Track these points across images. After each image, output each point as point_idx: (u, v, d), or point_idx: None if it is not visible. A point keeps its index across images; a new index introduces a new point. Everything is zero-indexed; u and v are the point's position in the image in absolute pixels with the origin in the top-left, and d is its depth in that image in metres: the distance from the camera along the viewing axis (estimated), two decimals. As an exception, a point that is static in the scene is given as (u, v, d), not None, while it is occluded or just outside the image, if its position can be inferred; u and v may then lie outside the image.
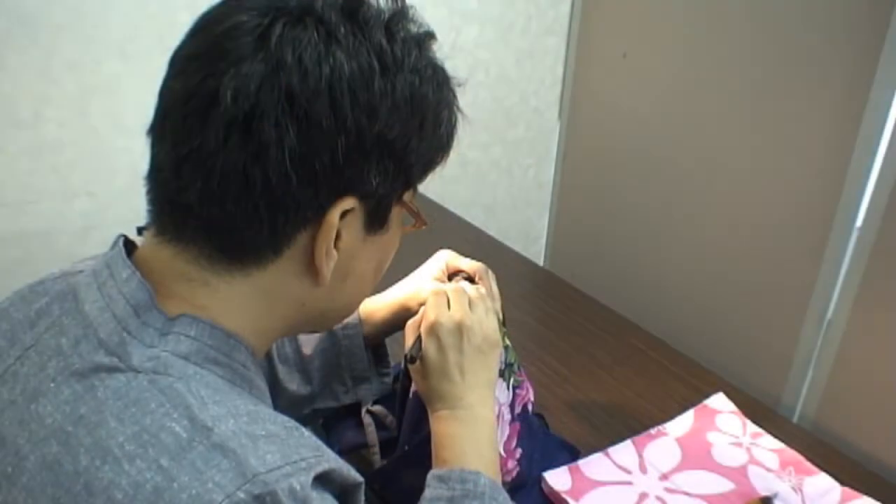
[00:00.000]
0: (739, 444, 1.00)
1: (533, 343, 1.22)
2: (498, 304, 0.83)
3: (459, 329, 0.72)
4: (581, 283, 1.41)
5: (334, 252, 0.55)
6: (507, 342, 0.82)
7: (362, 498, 0.52)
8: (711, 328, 1.51)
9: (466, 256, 0.87)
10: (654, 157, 1.62)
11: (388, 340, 0.89)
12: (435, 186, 1.81)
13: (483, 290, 0.80)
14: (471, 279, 0.84)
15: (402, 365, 0.80)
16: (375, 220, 0.56)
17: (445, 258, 0.86)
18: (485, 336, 0.74)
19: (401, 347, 0.75)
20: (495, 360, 0.76)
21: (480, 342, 0.73)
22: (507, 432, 0.81)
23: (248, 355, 0.55)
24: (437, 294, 0.76)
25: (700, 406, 1.07)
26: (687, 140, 1.53)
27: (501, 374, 0.80)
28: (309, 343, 0.86)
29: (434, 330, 0.72)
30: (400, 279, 0.87)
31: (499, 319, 0.79)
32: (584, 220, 1.87)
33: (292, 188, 0.50)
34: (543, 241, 2.07)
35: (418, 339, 0.73)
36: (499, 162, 1.94)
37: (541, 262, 2.08)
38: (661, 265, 1.64)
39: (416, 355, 0.72)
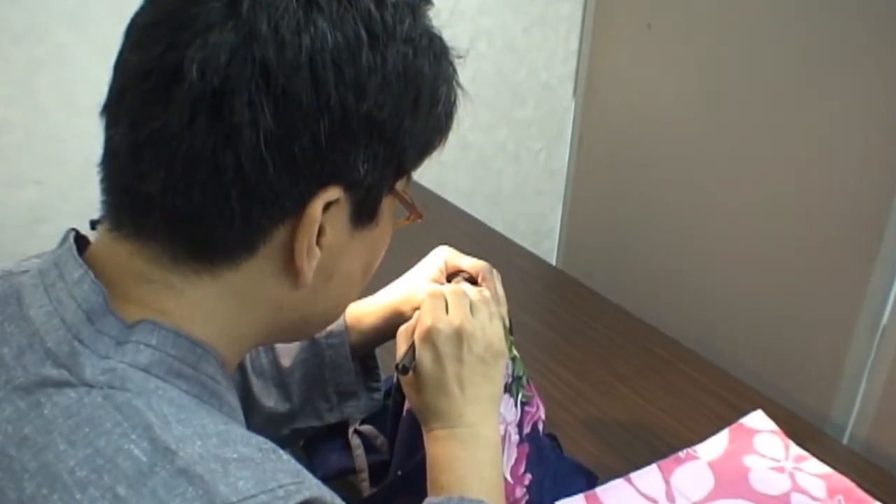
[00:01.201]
0: (781, 469, 1.00)
1: (544, 352, 1.22)
2: (504, 309, 0.83)
3: (459, 336, 0.72)
4: (599, 284, 1.42)
5: (317, 249, 0.55)
6: (515, 352, 0.82)
7: None
8: (748, 336, 1.51)
9: (468, 254, 0.87)
10: (682, 142, 1.62)
11: (378, 350, 0.89)
12: (432, 174, 1.81)
13: (486, 292, 0.81)
14: (473, 280, 0.84)
15: (395, 378, 0.80)
16: (364, 213, 0.56)
17: (443, 256, 0.86)
18: (488, 344, 0.74)
19: (393, 358, 0.75)
20: (500, 371, 0.76)
21: (483, 351, 0.73)
22: (514, 455, 0.81)
23: (217, 367, 0.55)
24: (433, 296, 0.76)
25: (736, 425, 1.07)
26: (719, 123, 1.53)
27: (507, 389, 0.80)
28: (288, 353, 0.86)
29: (430, 337, 0.72)
30: (392, 280, 0.87)
31: (504, 326, 0.79)
32: (603, 212, 1.87)
33: (268, 176, 0.50)
34: (556, 236, 2.07)
35: (412, 347, 0.73)
36: (504, 145, 1.94)
37: (553, 261, 2.08)
38: (689, 265, 1.65)
39: (410, 366, 0.72)
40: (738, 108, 1.50)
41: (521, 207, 2.02)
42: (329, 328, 0.85)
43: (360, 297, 0.79)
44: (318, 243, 0.54)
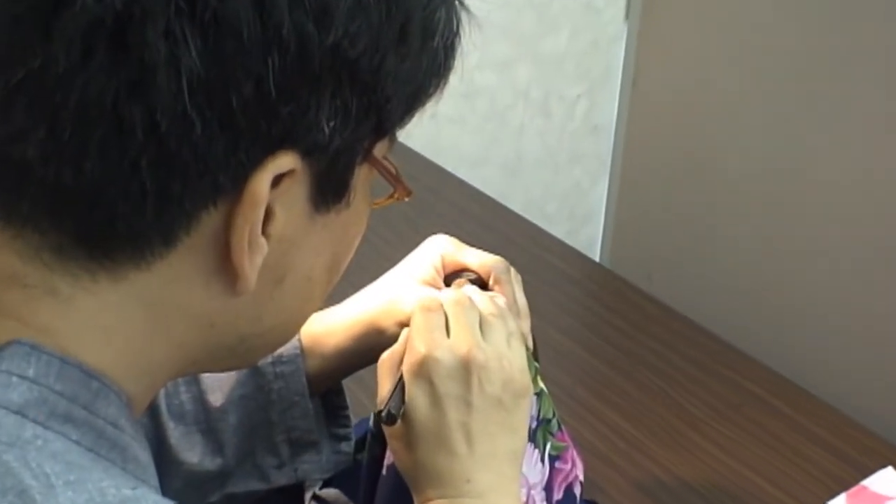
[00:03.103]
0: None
1: (583, 386, 1.22)
2: (526, 325, 0.83)
3: (466, 369, 0.72)
4: (661, 289, 1.42)
5: (262, 241, 0.55)
6: (541, 385, 0.82)
7: None
8: (869, 366, 1.51)
9: (475, 246, 0.87)
10: (777, 84, 1.62)
11: (348, 382, 0.89)
12: (425, 132, 1.81)
13: (501, 300, 0.81)
14: (482, 283, 0.84)
15: (372, 423, 0.80)
16: (329, 190, 0.57)
17: (440, 249, 0.87)
18: (507, 379, 0.74)
19: (367, 392, 0.76)
20: (523, 416, 0.76)
21: (500, 390, 0.73)
22: (541, 532, 0.82)
23: (121, 408, 0.55)
24: (427, 310, 0.76)
25: (856, 489, 1.07)
26: (823, 57, 1.54)
27: (532, 438, 0.80)
28: (219, 388, 0.86)
29: (424, 370, 0.72)
30: (368, 283, 0.87)
31: (527, 349, 0.80)
32: (667, 187, 1.87)
33: (194, 138, 0.50)
34: (600, 221, 2.07)
35: (399, 384, 0.74)
36: (527, 91, 1.94)
37: (595, 256, 2.08)
38: (790, 266, 1.65)
39: (397, 412, 0.72)
40: (847, 48, 1.51)
41: (551, 180, 2.03)
42: (278, 351, 0.85)
43: (322, 308, 0.79)
44: (264, 233, 0.55)
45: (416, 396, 0.73)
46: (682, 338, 1.31)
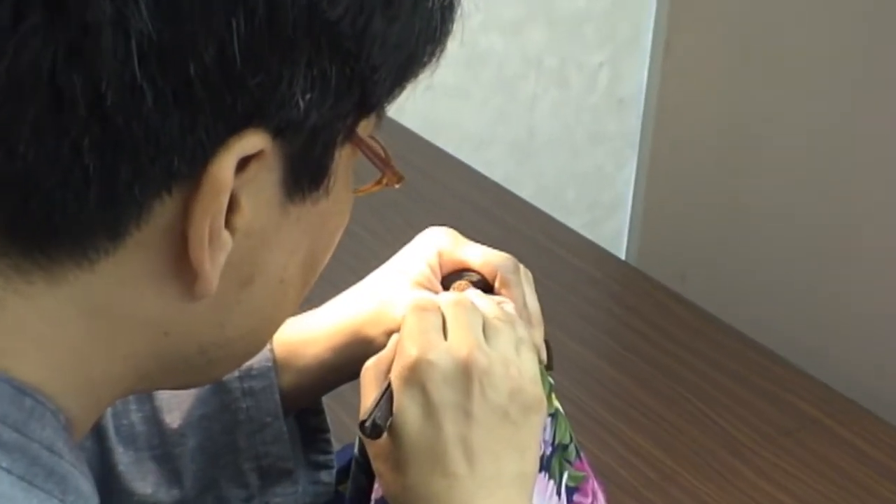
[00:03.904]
0: None
1: (606, 406, 1.23)
2: (539, 335, 0.83)
3: (466, 374, 0.73)
4: (698, 292, 1.41)
5: (226, 235, 0.55)
6: (557, 405, 0.83)
7: None
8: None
9: (479, 241, 0.87)
10: (835, 48, 1.62)
11: (328, 399, 0.90)
12: (420, 107, 1.80)
13: (509, 304, 0.81)
14: (487, 285, 0.84)
15: (357, 450, 0.80)
16: (304, 175, 0.57)
17: (437, 245, 0.86)
18: (514, 388, 0.74)
19: (352, 415, 0.75)
20: (533, 433, 0.76)
21: (506, 400, 0.74)
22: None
23: (58, 429, 0.55)
24: (421, 310, 0.76)
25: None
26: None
27: (546, 467, 0.80)
28: (177, 406, 0.86)
29: (417, 375, 0.72)
30: (352, 284, 0.88)
31: (539, 361, 0.80)
32: (705, 173, 1.87)
33: (145, 113, 0.50)
34: (626, 211, 2.07)
35: (386, 391, 0.74)
36: (540, 58, 1.94)
37: (621, 253, 2.08)
38: (856, 268, 1.65)
39: (383, 424, 0.72)
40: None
41: (569, 163, 2.02)
42: (247, 364, 0.85)
43: (297, 313, 0.79)
44: (227, 225, 0.55)
45: (407, 406, 0.73)
46: (724, 350, 1.32)
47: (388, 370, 0.75)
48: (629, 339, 1.33)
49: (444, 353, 0.73)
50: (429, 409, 0.73)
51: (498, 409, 0.74)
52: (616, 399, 1.24)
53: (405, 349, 0.74)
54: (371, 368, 0.77)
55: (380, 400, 0.73)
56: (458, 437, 0.72)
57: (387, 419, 0.73)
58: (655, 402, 1.23)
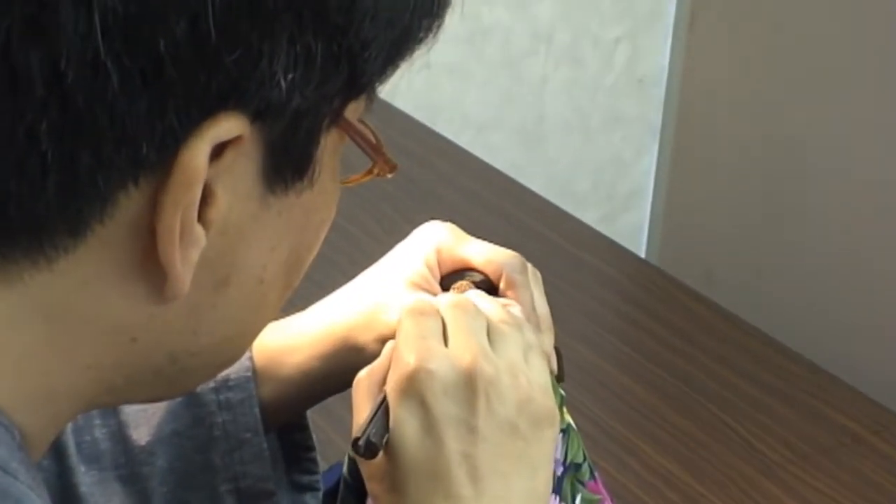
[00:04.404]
0: None
1: (623, 421, 1.23)
2: (549, 341, 0.84)
3: (469, 383, 0.73)
4: (725, 293, 1.41)
5: (199, 231, 0.55)
6: (569, 420, 0.83)
7: None
8: None
9: (482, 236, 0.87)
10: (877, 24, 1.62)
11: (313, 413, 0.90)
12: (416, 87, 1.81)
13: (516, 308, 0.81)
14: (491, 286, 0.85)
15: (346, 469, 0.80)
16: (286, 163, 0.57)
17: (435, 241, 0.87)
18: (524, 399, 0.74)
19: (341, 430, 0.76)
20: (545, 449, 0.76)
21: (513, 412, 0.74)
22: None
23: (12, 447, 0.55)
24: (418, 314, 0.76)
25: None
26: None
27: (557, 488, 0.80)
28: (145, 421, 0.86)
29: (415, 386, 0.72)
30: (341, 285, 0.88)
31: (550, 371, 0.80)
32: (736, 161, 1.87)
33: (108, 94, 0.50)
34: (646, 204, 2.06)
35: (381, 404, 0.74)
36: (550, 33, 1.94)
37: (640, 251, 2.08)
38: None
39: (378, 441, 0.72)
40: None
41: (582, 149, 2.02)
42: (223, 374, 0.85)
43: (279, 317, 0.79)
44: (200, 220, 0.55)
45: (405, 421, 0.73)
46: (756, 358, 1.32)
47: (383, 382, 0.75)
48: (649, 347, 1.33)
49: (444, 361, 0.73)
50: (429, 424, 0.73)
51: (505, 423, 0.74)
52: (634, 413, 1.24)
53: (402, 358, 0.74)
54: (364, 380, 0.77)
55: (374, 415, 0.73)
56: (461, 455, 0.72)
57: (383, 436, 0.73)
58: (678, 417, 1.23)
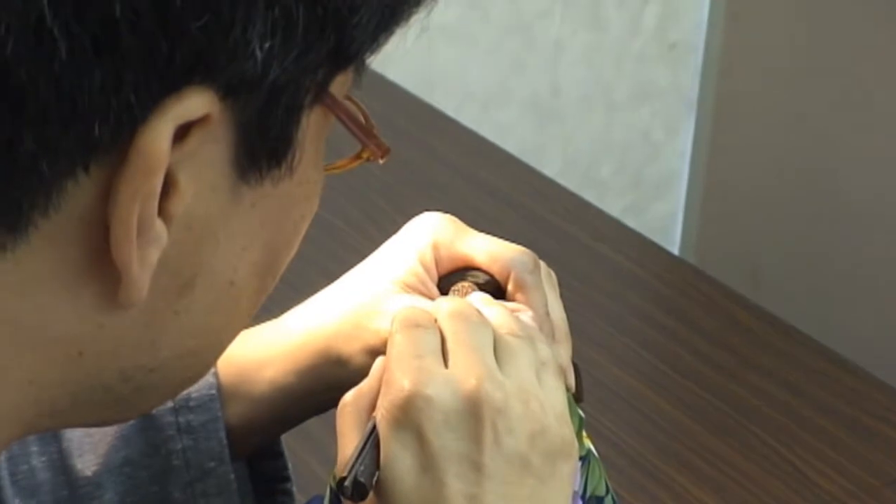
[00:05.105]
0: None
1: (654, 447, 1.23)
2: (565, 351, 0.84)
3: (473, 411, 0.73)
4: (774, 297, 1.41)
5: (160, 226, 0.55)
6: (589, 445, 0.83)
7: None
8: None
9: (487, 230, 0.87)
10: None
11: (288, 438, 0.91)
12: (412, 57, 1.79)
13: (528, 314, 0.82)
14: (497, 288, 0.85)
15: (327, 498, 0.81)
16: (262, 147, 0.57)
17: (433, 235, 0.87)
18: (537, 429, 0.75)
19: (321, 457, 0.76)
20: (562, 487, 0.77)
21: (525, 444, 0.74)
22: None
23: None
24: (412, 325, 0.76)
25: None
26: None
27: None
28: (92, 448, 0.87)
29: (410, 416, 0.73)
30: (323, 287, 0.88)
31: (567, 390, 0.80)
32: (786, 140, 1.86)
33: (55, 66, 0.51)
34: (681, 191, 2.06)
35: (371, 437, 0.74)
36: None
37: (674, 246, 2.07)
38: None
39: (367, 480, 0.72)
40: None
41: (605, 127, 2.02)
42: (185, 393, 0.85)
43: (251, 325, 0.79)
44: (161, 213, 0.55)
45: (398, 457, 0.73)
46: (811, 374, 1.32)
47: (372, 407, 0.75)
48: (684, 360, 1.34)
49: (444, 385, 0.74)
50: (426, 460, 0.73)
51: (516, 457, 0.74)
52: (666, 438, 1.25)
53: (394, 381, 0.74)
54: (349, 405, 0.77)
55: (363, 449, 0.74)
56: (465, 497, 0.73)
57: (373, 475, 0.73)
58: (718, 443, 1.24)
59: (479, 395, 0.74)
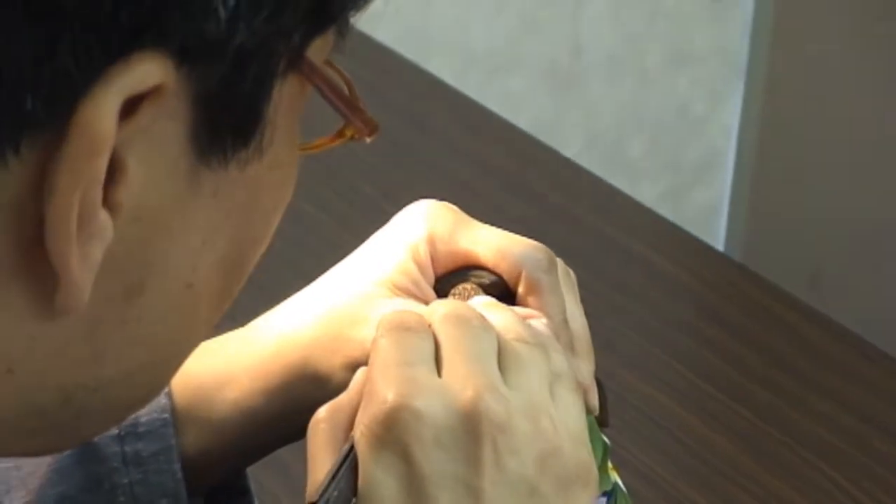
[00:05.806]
0: None
1: (691, 481, 1.23)
2: (587, 366, 0.85)
3: (471, 431, 0.73)
4: (836, 302, 1.42)
5: (104, 218, 0.55)
6: (615, 477, 0.84)
7: None
8: None
9: (492, 222, 0.88)
10: None
11: (257, 470, 0.92)
12: (404, 14, 1.80)
13: (542, 321, 0.82)
14: (505, 290, 0.86)
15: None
16: (226, 124, 0.57)
17: (429, 227, 0.88)
18: (547, 450, 0.75)
19: (291, 488, 0.77)
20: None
21: (531, 468, 0.74)
22: None
23: None
24: (401, 329, 0.77)
25: None
26: None
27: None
28: (22, 483, 0.88)
29: (395, 433, 0.73)
30: (298, 289, 0.89)
31: (589, 411, 0.81)
32: (853, 115, 1.87)
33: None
34: (727, 177, 2.06)
35: (347, 458, 0.75)
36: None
37: (718, 242, 2.08)
38: None
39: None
40: None
41: (636, 99, 2.03)
42: (132, 418, 0.86)
43: (212, 335, 0.80)
44: (106, 203, 0.55)
45: (380, 481, 0.73)
46: (879, 394, 1.33)
47: (350, 425, 0.76)
48: (728, 377, 1.34)
49: (436, 397, 0.74)
50: (414, 485, 0.73)
51: (521, 483, 0.74)
52: (709, 471, 1.25)
53: (377, 392, 0.74)
54: (324, 422, 0.77)
55: (337, 471, 0.74)
56: None
57: (349, 501, 0.74)
58: (769, 476, 1.24)
59: (478, 409, 0.73)
